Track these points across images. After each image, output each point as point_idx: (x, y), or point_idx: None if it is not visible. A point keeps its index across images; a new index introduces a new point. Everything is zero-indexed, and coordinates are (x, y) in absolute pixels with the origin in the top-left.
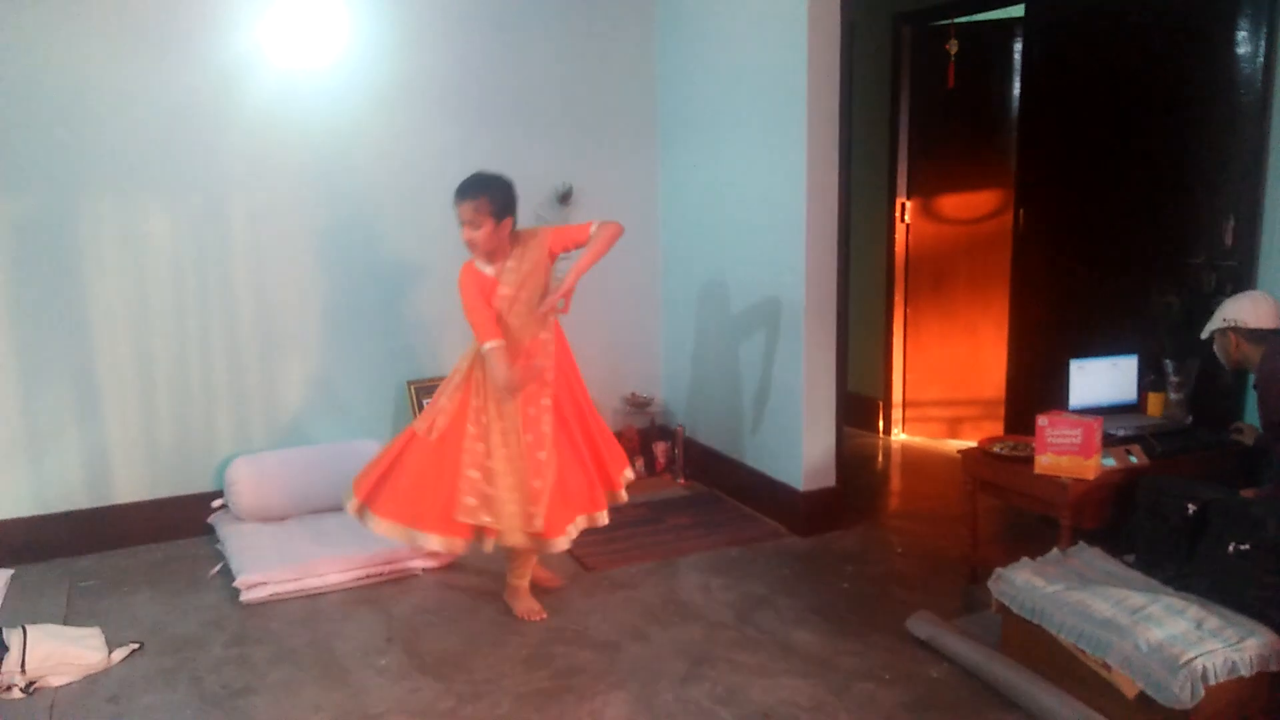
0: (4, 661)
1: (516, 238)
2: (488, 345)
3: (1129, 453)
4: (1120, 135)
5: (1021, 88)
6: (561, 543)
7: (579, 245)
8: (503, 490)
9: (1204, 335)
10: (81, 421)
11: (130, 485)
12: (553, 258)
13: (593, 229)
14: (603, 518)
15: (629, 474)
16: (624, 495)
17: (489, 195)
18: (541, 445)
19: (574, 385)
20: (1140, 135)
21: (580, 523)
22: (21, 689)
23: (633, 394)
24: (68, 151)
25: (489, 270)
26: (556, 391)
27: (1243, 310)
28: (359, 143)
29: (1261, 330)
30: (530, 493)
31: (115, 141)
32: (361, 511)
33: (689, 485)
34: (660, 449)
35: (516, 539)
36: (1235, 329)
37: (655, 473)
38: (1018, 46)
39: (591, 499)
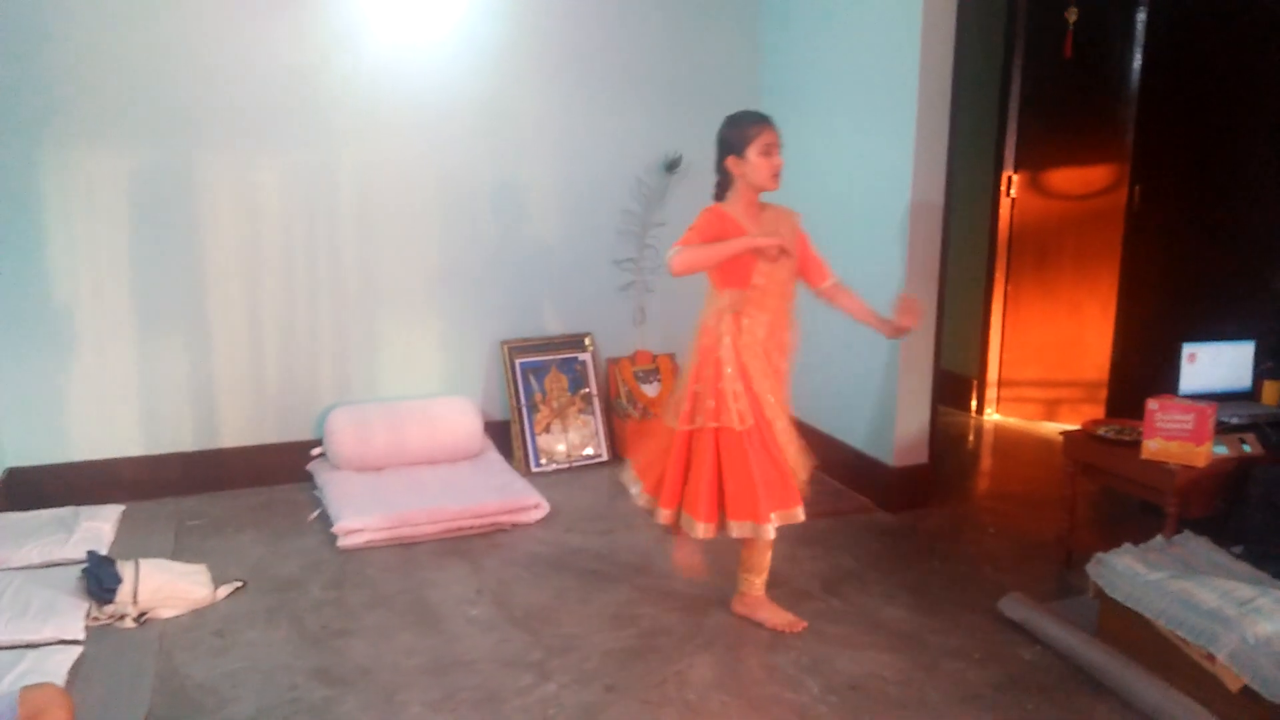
0: (118, 592)
1: (762, 205)
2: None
3: (1243, 441)
4: (1245, 111)
5: (1144, 60)
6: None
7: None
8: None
9: None
10: (192, 368)
11: (236, 430)
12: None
13: (830, 281)
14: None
15: (799, 514)
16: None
17: None
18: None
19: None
20: (1267, 111)
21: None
22: (134, 618)
23: None
24: (189, 110)
25: (744, 221)
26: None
27: None
28: (466, 103)
29: None
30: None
31: (233, 101)
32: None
33: None
34: None
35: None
36: None
37: None
38: (1141, 17)
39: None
